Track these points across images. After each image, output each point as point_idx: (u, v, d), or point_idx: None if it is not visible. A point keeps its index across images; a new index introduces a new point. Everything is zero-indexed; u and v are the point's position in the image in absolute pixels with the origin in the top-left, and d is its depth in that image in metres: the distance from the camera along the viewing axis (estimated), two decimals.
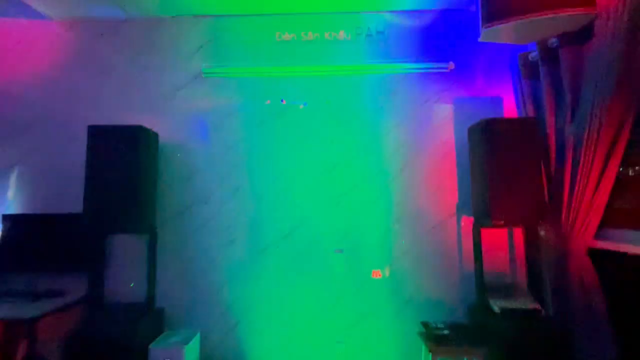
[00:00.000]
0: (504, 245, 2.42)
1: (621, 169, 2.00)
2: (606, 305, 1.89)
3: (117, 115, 2.59)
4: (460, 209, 2.46)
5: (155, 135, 2.50)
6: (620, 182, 2.00)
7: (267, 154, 2.57)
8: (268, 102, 2.61)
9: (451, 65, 2.56)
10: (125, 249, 2.51)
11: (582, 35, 1.98)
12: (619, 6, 1.77)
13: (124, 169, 2.23)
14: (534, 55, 2.31)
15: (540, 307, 2.04)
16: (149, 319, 2.33)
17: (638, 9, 1.71)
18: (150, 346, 2.21)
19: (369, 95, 2.59)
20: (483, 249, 2.31)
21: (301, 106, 2.61)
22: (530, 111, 2.35)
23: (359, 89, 2.60)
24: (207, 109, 2.61)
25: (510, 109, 2.51)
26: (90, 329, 2.17)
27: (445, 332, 2.11)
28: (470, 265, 2.35)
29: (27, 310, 2.11)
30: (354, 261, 2.47)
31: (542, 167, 2.22)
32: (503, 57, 2.55)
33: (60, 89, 2.63)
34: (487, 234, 2.40)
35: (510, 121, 2.16)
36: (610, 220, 2.03)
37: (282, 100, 2.59)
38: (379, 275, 2.45)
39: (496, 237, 2.42)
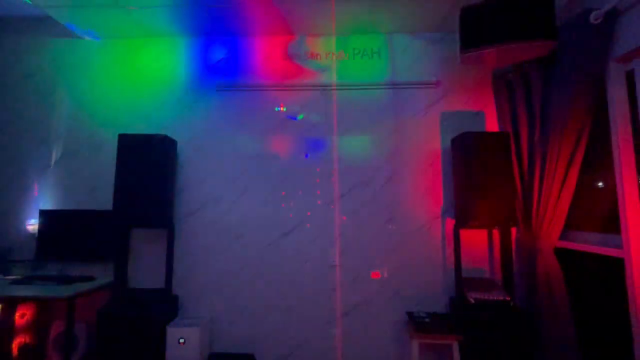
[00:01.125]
0: (484, 245, 2.69)
1: (582, 180, 2.26)
2: (568, 296, 2.15)
3: (142, 123, 2.93)
4: (445, 212, 2.74)
5: (174, 142, 2.83)
6: (582, 191, 2.26)
7: (272, 160, 2.88)
8: (281, 109, 2.92)
9: (438, 82, 2.86)
10: (147, 242, 2.84)
11: (550, 60, 2.27)
12: (574, 37, 2.05)
13: (148, 172, 2.56)
14: (510, 75, 2.59)
15: (510, 298, 2.31)
16: (166, 303, 2.65)
17: (588, 41, 1.98)
18: (167, 326, 2.52)
19: (364, 108, 2.90)
20: (465, 248, 2.59)
21: (303, 115, 2.92)
22: (507, 125, 2.62)
23: (356, 103, 2.90)
24: (219, 119, 2.94)
25: (491, 123, 2.79)
26: (116, 310, 2.47)
27: (427, 320, 2.38)
28: (452, 262, 2.62)
29: (62, 291, 2.39)
30: (350, 256, 2.76)
31: (517, 176, 2.49)
32: (486, 76, 2.82)
33: (91, 101, 3.00)
34: (468, 234, 2.68)
35: (486, 135, 2.44)
36: (574, 223, 2.29)
37: (295, 118, 2.91)
38: (378, 275, 2.72)
39: (477, 238, 2.70)
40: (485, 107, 2.81)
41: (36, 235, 2.80)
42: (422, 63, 2.91)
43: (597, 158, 2.19)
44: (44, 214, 2.81)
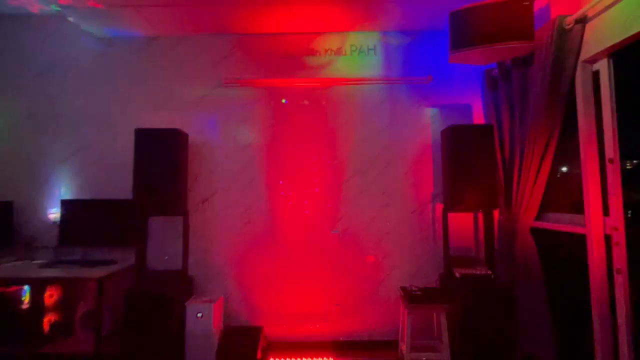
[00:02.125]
0: (470, 227, 2.98)
1: (555, 167, 2.53)
2: (542, 271, 2.45)
3: (154, 117, 3.13)
4: (435, 198, 3.02)
5: (186, 135, 3.05)
6: (555, 177, 2.53)
7: (277, 150, 3.12)
8: (283, 100, 3.14)
9: (430, 78, 3.09)
10: (163, 228, 3.08)
11: (528, 59, 2.50)
12: (549, 40, 2.29)
13: (163, 163, 2.77)
14: (495, 72, 2.82)
15: (490, 273, 2.61)
16: (184, 283, 2.93)
17: (561, 44, 2.21)
18: (187, 303, 2.80)
19: (361, 101, 3.13)
20: (453, 230, 2.89)
21: (304, 103, 3.13)
22: (492, 118, 2.85)
23: (353, 97, 3.13)
24: (228, 113, 3.15)
25: (478, 115, 3.03)
26: (140, 290, 2.75)
27: (419, 293, 2.68)
28: (442, 242, 2.91)
29: (92, 273, 2.65)
30: (349, 238, 3.04)
31: (500, 164, 2.75)
32: (474, 72, 3.04)
33: (105, 96, 3.18)
34: (456, 218, 2.96)
35: (471, 127, 2.70)
36: (549, 206, 2.57)
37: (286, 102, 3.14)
38: (373, 259, 3.00)
39: (464, 221, 2.99)
40: (473, 100, 3.05)
41: (58, 223, 3.01)
42: (415, 59, 3.13)
43: (569, 148, 2.45)
44: (65, 203, 3.02)
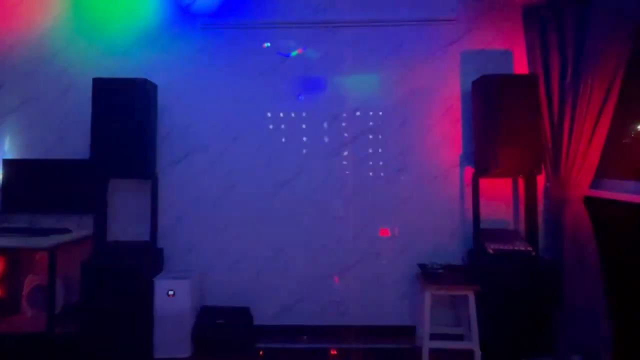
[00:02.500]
0: (508, 196, 2.53)
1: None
2: (597, 247, 2.03)
3: (114, 65, 2.60)
4: (463, 161, 2.54)
5: (155, 86, 2.53)
6: (615, 137, 2.10)
7: (267, 105, 2.62)
8: (270, 44, 2.61)
9: (457, 17, 2.56)
10: (127, 193, 2.61)
11: None
12: None
13: (126, 118, 2.34)
14: (543, 11, 2.34)
15: (531, 249, 2.18)
16: (152, 256, 2.46)
17: None
18: (155, 279, 2.33)
19: (373, 47, 2.60)
20: (487, 199, 2.47)
21: (300, 50, 2.61)
22: (538, 67, 2.39)
23: (364, 41, 2.60)
24: (204, 61, 2.63)
25: (521, 63, 2.54)
26: (100, 262, 2.31)
27: (441, 271, 2.24)
28: (471, 213, 2.44)
29: (41, 242, 2.21)
30: (356, 207, 2.56)
31: (547, 121, 2.31)
32: (515, 10, 2.53)
33: (56, 40, 2.64)
34: (491, 185, 2.50)
35: (510, 78, 2.28)
36: (606, 171, 2.15)
37: (288, 55, 2.61)
38: (388, 233, 2.55)
39: (500, 189, 2.53)
40: (513, 45, 2.55)
41: (0, 186, 2.57)
42: None
43: (632, 104, 2.03)
44: (7, 163, 2.59)
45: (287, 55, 2.63)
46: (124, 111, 2.34)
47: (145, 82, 2.40)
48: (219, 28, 2.62)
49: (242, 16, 2.62)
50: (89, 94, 2.33)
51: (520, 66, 2.53)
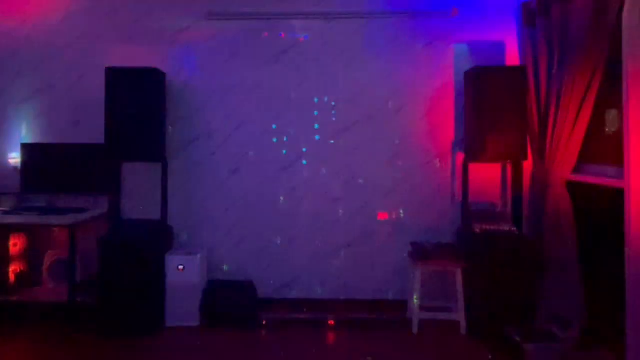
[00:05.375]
0: (496, 180, 2.69)
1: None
2: (575, 228, 2.19)
3: (125, 54, 2.72)
4: (455, 147, 2.69)
5: (163, 74, 2.67)
6: (595, 125, 2.23)
7: (270, 92, 2.76)
8: (272, 33, 2.75)
9: (455, 11, 2.67)
10: (138, 175, 2.77)
11: None
12: None
13: (137, 105, 2.50)
14: (533, 5, 2.45)
15: (515, 229, 2.35)
16: (163, 233, 2.64)
17: None
18: (167, 255, 2.52)
19: (372, 37, 2.73)
20: (476, 182, 2.62)
21: (301, 39, 2.74)
22: (528, 58, 2.51)
23: (364, 32, 2.73)
24: (212, 50, 2.76)
25: (512, 55, 2.66)
26: (116, 238, 2.49)
27: (430, 249, 2.41)
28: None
29: (63, 220, 2.42)
30: (353, 189, 2.73)
31: (535, 110, 2.44)
32: (508, 4, 2.64)
33: (69, 30, 2.77)
34: (480, 169, 2.65)
35: (499, 69, 2.43)
36: (589, 157, 2.28)
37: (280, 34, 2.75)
38: (386, 216, 2.71)
39: (489, 172, 2.68)
40: (506, 37, 2.67)
41: (19, 168, 2.73)
42: None
43: (613, 92, 2.15)
44: (27, 147, 2.74)
45: (290, 44, 2.74)
46: (135, 98, 2.49)
47: (154, 70, 2.55)
48: (224, 19, 2.75)
49: (247, 7, 2.73)
50: (102, 81, 2.47)
51: (513, 57, 2.65)
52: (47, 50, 2.78)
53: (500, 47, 2.67)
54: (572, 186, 2.28)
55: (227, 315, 2.52)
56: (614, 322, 1.93)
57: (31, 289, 2.73)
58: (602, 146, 2.24)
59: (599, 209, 2.18)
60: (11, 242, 2.70)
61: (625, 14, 1.85)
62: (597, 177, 2.17)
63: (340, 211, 2.73)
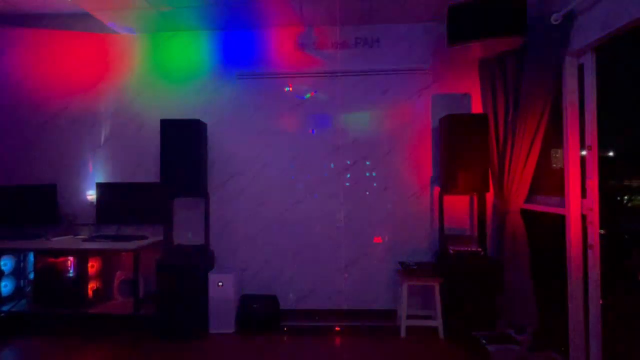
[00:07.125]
0: (466, 209, 3.22)
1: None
2: (528, 247, 2.68)
3: (175, 108, 3.41)
4: (433, 182, 3.24)
5: (205, 124, 3.33)
6: (543, 163, 2.71)
7: (288, 137, 3.39)
8: (289, 89, 3.38)
9: (430, 68, 3.25)
10: (186, 208, 3.42)
11: (522, 51, 2.65)
12: (539, 33, 2.43)
13: (185, 150, 3.08)
14: (492, 62, 2.96)
15: (481, 250, 2.86)
16: (206, 256, 3.27)
17: (549, 37, 2.36)
18: (209, 273, 3.17)
19: (366, 91, 3.34)
20: (450, 211, 3.15)
21: (312, 93, 3.36)
22: (489, 107, 3.01)
23: (358, 86, 3.34)
24: (240, 103, 3.41)
25: (477, 104, 3.20)
26: (170, 260, 3.09)
27: (414, 267, 2.97)
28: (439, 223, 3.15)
29: (128, 245, 3.05)
30: (353, 218, 3.33)
31: (495, 150, 2.94)
32: (473, 62, 3.17)
33: (131, 90, 3.50)
34: (454, 200, 3.19)
35: (466, 116, 2.89)
36: (539, 189, 2.78)
37: (303, 97, 3.39)
38: (380, 240, 3.27)
39: (461, 203, 3.22)
40: (471, 90, 3.21)
41: (94, 204, 3.40)
42: (416, 51, 3.29)
43: (556, 135, 2.61)
44: (100, 186, 3.41)
45: (302, 98, 3.40)
46: (183, 145, 3.03)
47: (198, 122, 3.10)
48: (250, 78, 3.40)
49: (269, 68, 3.39)
50: (158, 130, 3.05)
51: (477, 106, 3.19)
52: (116, 105, 3.46)
53: (467, 99, 3.22)
54: (525, 213, 2.77)
55: (256, 323, 3.08)
56: (560, 328, 2.41)
57: (105, 303, 3.28)
58: (550, 180, 2.73)
59: (546, 232, 2.67)
60: (89, 264, 3.26)
61: (564, 75, 2.33)
62: (544, 205, 2.67)
63: (343, 236, 3.31)
